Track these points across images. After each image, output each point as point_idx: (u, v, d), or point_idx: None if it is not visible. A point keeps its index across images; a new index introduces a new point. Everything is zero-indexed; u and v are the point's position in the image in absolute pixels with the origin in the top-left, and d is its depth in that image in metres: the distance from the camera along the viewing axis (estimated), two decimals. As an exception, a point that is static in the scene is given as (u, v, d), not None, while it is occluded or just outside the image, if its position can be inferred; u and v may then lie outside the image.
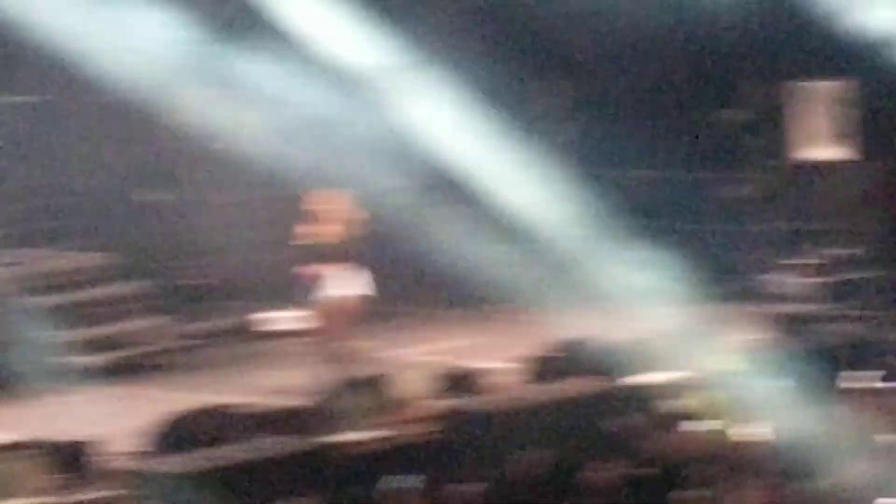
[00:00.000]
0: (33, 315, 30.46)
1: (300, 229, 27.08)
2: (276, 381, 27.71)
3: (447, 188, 36.72)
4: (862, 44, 30.29)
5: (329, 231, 26.59)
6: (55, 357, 29.25)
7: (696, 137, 34.05)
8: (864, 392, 23.81)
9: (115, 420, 24.30)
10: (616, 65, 35.69)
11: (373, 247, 28.09)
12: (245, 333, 31.53)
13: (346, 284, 26.75)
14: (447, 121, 35.19)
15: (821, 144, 29.98)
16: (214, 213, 34.32)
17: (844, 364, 25.05)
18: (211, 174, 36.26)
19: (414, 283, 34.35)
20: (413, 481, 20.58)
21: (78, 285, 31.01)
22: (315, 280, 26.57)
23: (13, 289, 31.38)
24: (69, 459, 21.72)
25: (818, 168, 31.58)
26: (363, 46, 35.83)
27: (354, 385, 24.47)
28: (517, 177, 33.20)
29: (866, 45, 30.32)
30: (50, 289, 31.41)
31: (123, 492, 20.86)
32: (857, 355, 26.13)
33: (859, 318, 29.30)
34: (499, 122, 33.70)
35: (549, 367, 26.34)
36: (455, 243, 32.66)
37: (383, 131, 35.81)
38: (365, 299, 27.66)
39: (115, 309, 30.45)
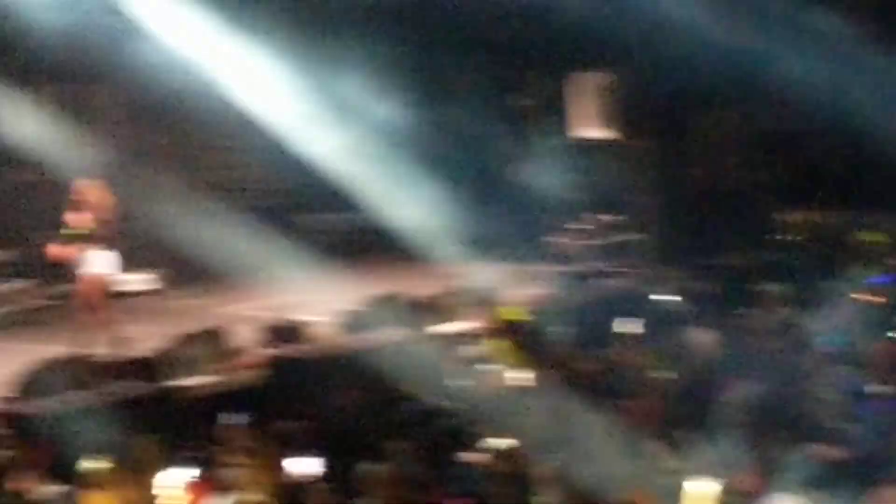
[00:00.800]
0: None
1: (68, 215, 27.16)
2: (126, 334, 27.12)
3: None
4: (624, 41, 31.92)
5: (86, 217, 26.70)
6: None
7: (491, 119, 34.39)
8: (632, 336, 25.05)
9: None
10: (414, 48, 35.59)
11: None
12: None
13: (99, 263, 26.77)
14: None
15: (593, 127, 31.45)
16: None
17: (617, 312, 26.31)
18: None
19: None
20: (242, 419, 20.81)
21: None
22: (71, 259, 26.86)
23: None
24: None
25: (591, 146, 32.96)
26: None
27: (194, 337, 25.39)
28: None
29: (627, 42, 32.01)
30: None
31: (-6, 432, 22.33)
32: (626, 305, 27.38)
33: (627, 274, 31.08)
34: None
35: (362, 319, 27.25)
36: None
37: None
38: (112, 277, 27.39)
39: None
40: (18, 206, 32.73)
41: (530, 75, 34.63)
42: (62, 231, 26.97)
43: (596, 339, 25.10)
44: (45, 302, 31.16)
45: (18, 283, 31.35)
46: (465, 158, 34.96)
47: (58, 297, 29.92)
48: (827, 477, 17.98)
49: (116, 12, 31.96)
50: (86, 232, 26.63)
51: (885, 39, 31.96)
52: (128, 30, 32.23)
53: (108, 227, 26.80)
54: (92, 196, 26.82)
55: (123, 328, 27.52)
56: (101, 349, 25.91)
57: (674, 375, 22.72)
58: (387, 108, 34.07)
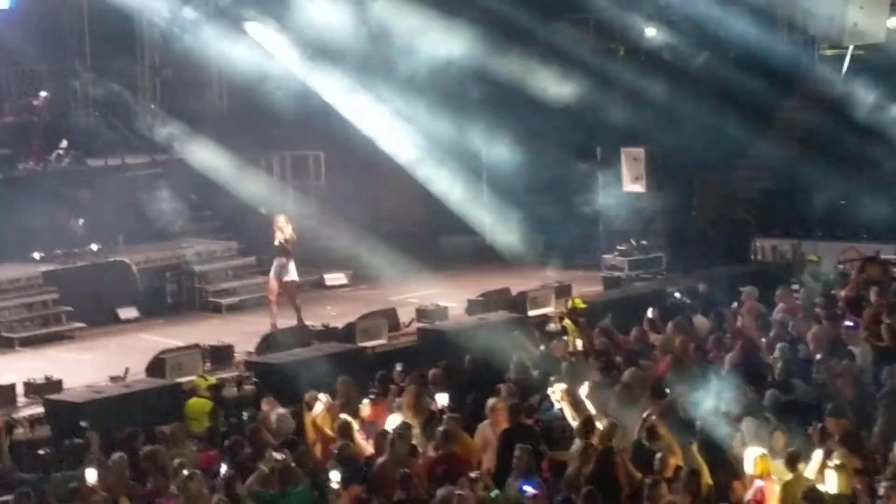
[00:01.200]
0: None
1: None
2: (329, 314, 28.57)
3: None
4: (654, 128, 32.29)
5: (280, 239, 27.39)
6: None
7: (572, 172, 34.04)
8: (652, 320, 24.13)
9: None
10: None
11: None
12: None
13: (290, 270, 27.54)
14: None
15: (635, 182, 31.52)
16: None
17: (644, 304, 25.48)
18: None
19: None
20: (403, 368, 21.68)
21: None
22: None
23: None
24: None
25: (633, 195, 32.12)
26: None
27: (373, 315, 26.44)
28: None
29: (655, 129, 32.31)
30: None
31: None
32: (651, 299, 26.70)
33: (652, 279, 30.61)
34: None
35: (479, 306, 27.73)
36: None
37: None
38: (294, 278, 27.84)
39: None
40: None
41: (598, 147, 33.41)
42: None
43: (630, 321, 24.42)
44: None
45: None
46: (552, 197, 34.19)
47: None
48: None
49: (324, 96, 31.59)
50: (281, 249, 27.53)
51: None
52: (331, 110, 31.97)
53: (291, 245, 27.62)
54: (283, 226, 27.64)
55: (322, 310, 28.85)
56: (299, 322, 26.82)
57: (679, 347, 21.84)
58: (498, 156, 33.03)
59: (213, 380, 22.39)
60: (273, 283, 27.68)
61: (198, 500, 15.79)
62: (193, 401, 21.49)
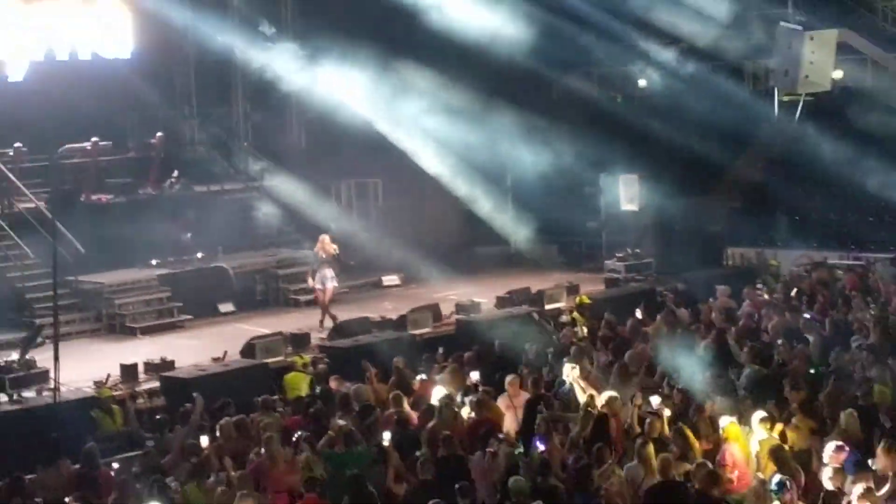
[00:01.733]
0: None
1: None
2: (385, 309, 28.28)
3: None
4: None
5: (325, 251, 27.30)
6: None
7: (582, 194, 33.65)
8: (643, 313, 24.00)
9: None
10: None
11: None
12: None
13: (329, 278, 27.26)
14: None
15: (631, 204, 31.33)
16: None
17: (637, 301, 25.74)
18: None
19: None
20: (444, 352, 22.08)
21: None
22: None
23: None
24: None
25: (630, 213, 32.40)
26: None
27: (421, 308, 26.29)
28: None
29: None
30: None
31: None
32: (643, 296, 27.69)
33: (644, 280, 30.35)
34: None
35: (506, 301, 27.41)
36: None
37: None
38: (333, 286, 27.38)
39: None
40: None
41: (601, 174, 32.96)
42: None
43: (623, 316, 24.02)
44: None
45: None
46: (564, 214, 33.29)
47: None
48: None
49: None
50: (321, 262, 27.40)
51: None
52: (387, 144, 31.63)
53: (332, 258, 27.40)
54: (327, 243, 27.60)
55: (381, 305, 28.67)
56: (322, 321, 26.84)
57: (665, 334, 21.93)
58: (521, 182, 33.21)
59: (307, 358, 22.56)
60: (318, 290, 27.50)
61: (277, 456, 15.80)
62: (292, 375, 21.60)
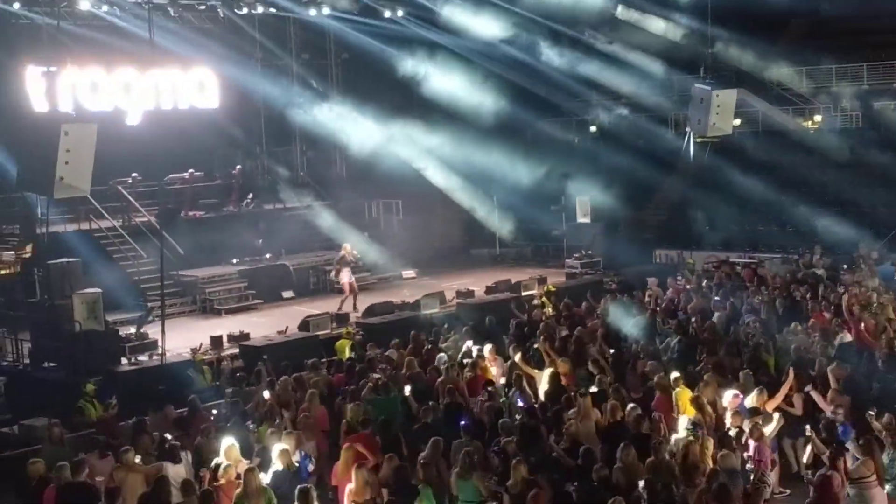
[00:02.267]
0: None
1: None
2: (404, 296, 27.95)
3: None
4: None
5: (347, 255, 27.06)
6: None
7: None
8: (593, 301, 23.63)
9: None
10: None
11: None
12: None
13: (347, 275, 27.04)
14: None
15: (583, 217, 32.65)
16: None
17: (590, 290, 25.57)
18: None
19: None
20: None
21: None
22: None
23: None
24: None
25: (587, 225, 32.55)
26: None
27: (431, 294, 25.63)
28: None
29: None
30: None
31: None
32: (593, 287, 27.07)
33: (595, 274, 30.02)
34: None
35: (494, 288, 26.86)
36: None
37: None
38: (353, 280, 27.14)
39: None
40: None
41: (562, 195, 32.62)
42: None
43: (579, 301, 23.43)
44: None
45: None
46: (536, 226, 33.85)
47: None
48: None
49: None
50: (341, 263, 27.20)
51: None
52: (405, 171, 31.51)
53: (348, 260, 27.21)
54: (348, 250, 27.48)
55: (401, 292, 28.11)
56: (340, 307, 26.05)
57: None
58: (505, 200, 33.00)
59: (353, 330, 22.28)
60: (346, 283, 27.18)
61: (317, 405, 15.73)
62: (341, 341, 21.44)
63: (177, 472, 13.07)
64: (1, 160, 25.52)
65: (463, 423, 14.25)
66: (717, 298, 22.76)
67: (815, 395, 14.68)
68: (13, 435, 17.48)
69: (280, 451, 13.03)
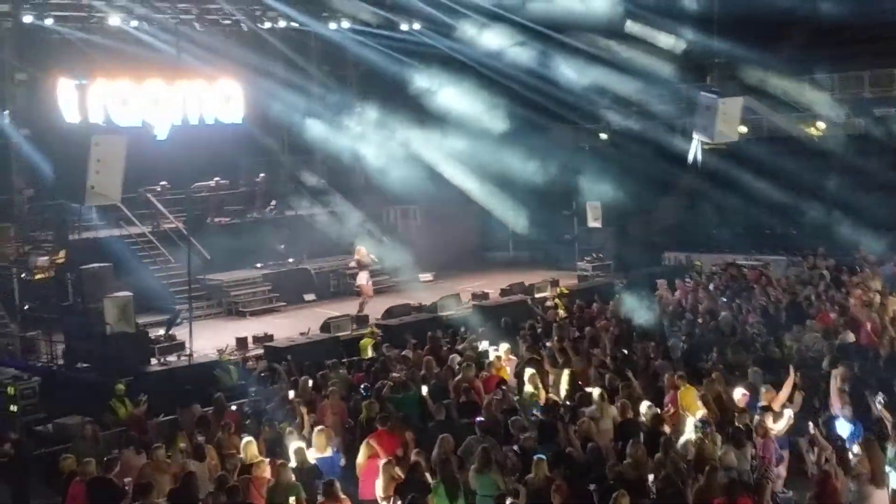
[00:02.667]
0: None
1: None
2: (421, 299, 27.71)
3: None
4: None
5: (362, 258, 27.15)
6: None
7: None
8: (602, 302, 24.21)
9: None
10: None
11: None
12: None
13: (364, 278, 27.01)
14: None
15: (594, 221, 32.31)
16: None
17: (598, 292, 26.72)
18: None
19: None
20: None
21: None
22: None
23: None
24: None
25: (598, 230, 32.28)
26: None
27: (448, 297, 25.58)
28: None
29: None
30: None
31: None
32: (603, 289, 28.04)
33: (605, 276, 30.24)
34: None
35: (508, 291, 26.89)
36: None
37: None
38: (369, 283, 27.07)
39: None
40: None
41: (573, 201, 32.58)
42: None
43: (590, 302, 23.95)
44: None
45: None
46: (549, 229, 33.05)
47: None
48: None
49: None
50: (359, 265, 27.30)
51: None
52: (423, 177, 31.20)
53: (366, 263, 27.27)
54: (363, 254, 27.45)
55: (418, 294, 27.48)
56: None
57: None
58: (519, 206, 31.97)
59: (377, 330, 22.38)
60: (365, 288, 27.09)
61: (338, 403, 15.85)
62: (364, 340, 21.67)
63: (202, 469, 13.14)
64: (42, 167, 25.80)
65: (478, 420, 14.28)
66: (723, 299, 22.73)
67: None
68: (48, 433, 17.67)
69: (295, 448, 13.18)
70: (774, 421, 13.77)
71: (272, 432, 14.46)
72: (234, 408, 16.57)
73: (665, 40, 31.36)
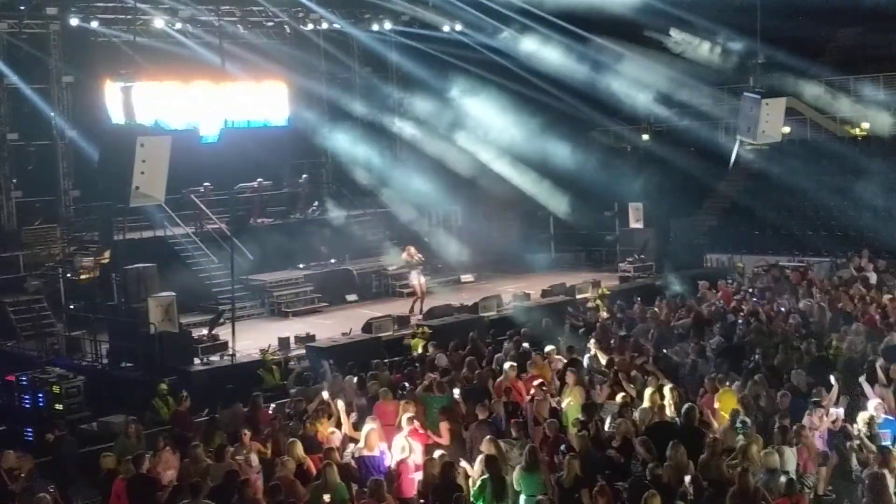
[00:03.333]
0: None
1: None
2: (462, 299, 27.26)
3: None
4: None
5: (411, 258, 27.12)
6: None
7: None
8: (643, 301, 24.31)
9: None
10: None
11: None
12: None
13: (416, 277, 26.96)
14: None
15: (636, 223, 32.27)
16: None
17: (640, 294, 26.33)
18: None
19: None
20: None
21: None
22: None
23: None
24: None
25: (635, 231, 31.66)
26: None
27: (488, 298, 25.51)
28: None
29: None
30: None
31: None
32: (646, 290, 27.49)
33: (647, 277, 29.76)
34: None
35: (549, 292, 26.81)
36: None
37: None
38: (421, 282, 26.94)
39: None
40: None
41: (615, 202, 32.31)
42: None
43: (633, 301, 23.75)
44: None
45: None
46: (590, 232, 33.56)
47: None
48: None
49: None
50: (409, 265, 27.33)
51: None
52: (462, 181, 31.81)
53: (416, 263, 27.16)
54: (413, 253, 27.31)
55: (459, 295, 27.79)
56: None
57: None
58: (560, 210, 32.66)
59: (427, 329, 22.23)
60: (418, 287, 27.12)
61: (387, 400, 15.71)
62: (415, 340, 21.74)
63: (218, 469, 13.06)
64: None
65: (513, 421, 14.26)
66: (764, 301, 22.45)
67: (866, 386, 14.49)
68: (92, 431, 17.83)
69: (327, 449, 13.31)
70: (820, 420, 13.55)
71: (309, 431, 14.44)
72: (272, 407, 16.62)
73: (705, 48, 31.23)
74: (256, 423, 15.02)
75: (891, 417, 13.46)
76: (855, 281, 23.50)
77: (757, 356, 17.34)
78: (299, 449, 13.18)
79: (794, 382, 15.20)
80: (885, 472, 11.59)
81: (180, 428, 15.42)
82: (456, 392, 16.00)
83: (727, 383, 15.28)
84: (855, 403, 14.63)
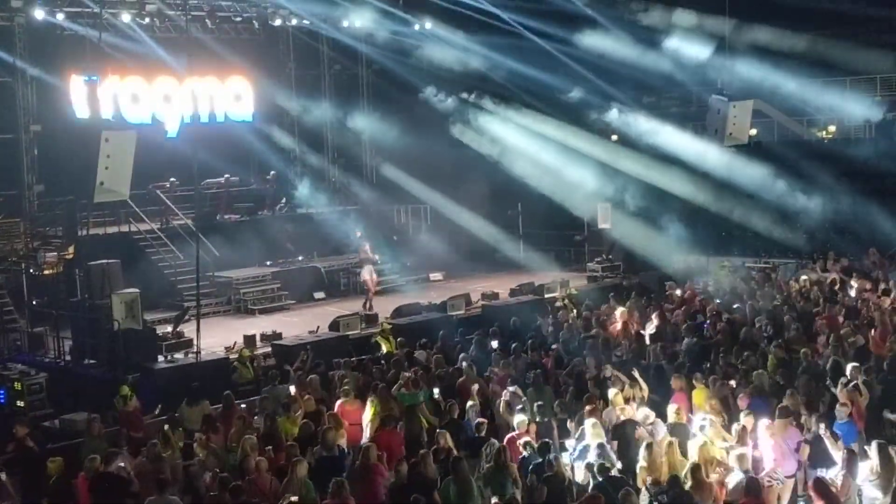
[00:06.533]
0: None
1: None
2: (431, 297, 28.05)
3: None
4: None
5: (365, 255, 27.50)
6: None
7: None
8: (610, 301, 24.60)
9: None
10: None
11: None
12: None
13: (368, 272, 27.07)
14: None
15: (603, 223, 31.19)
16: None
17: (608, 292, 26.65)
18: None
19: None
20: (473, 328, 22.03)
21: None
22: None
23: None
24: None
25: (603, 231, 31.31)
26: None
27: (456, 297, 25.69)
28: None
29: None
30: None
31: None
32: (614, 290, 28.70)
33: (615, 277, 29.91)
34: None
35: (523, 288, 27.17)
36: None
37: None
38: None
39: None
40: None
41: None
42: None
43: (598, 303, 24.09)
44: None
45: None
46: (557, 232, 33.27)
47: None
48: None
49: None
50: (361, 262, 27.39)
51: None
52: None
53: (368, 258, 27.44)
54: (366, 250, 27.64)
55: (428, 294, 27.88)
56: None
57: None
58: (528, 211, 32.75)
59: (389, 328, 22.28)
60: (369, 282, 27.22)
61: (352, 401, 15.82)
62: (378, 338, 21.67)
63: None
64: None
65: (477, 421, 14.43)
66: (736, 305, 22.56)
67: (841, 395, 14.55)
68: (55, 428, 17.66)
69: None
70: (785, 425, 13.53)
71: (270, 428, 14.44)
72: (243, 406, 16.61)
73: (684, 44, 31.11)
74: (229, 421, 15.00)
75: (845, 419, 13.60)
76: (821, 282, 23.66)
77: (721, 356, 17.45)
78: (252, 443, 13.21)
79: (757, 384, 15.30)
80: (846, 473, 11.85)
81: (128, 429, 15.36)
82: (437, 391, 16.20)
83: (702, 381, 15.55)
84: (818, 405, 14.72)
